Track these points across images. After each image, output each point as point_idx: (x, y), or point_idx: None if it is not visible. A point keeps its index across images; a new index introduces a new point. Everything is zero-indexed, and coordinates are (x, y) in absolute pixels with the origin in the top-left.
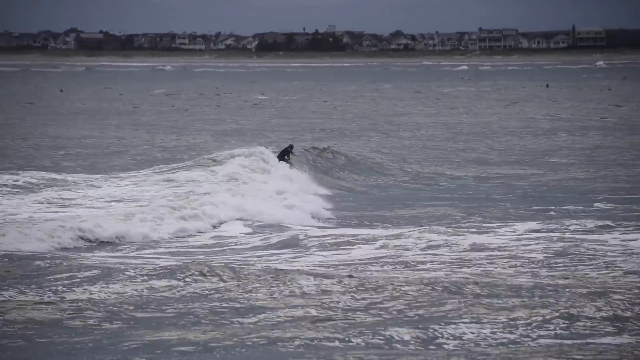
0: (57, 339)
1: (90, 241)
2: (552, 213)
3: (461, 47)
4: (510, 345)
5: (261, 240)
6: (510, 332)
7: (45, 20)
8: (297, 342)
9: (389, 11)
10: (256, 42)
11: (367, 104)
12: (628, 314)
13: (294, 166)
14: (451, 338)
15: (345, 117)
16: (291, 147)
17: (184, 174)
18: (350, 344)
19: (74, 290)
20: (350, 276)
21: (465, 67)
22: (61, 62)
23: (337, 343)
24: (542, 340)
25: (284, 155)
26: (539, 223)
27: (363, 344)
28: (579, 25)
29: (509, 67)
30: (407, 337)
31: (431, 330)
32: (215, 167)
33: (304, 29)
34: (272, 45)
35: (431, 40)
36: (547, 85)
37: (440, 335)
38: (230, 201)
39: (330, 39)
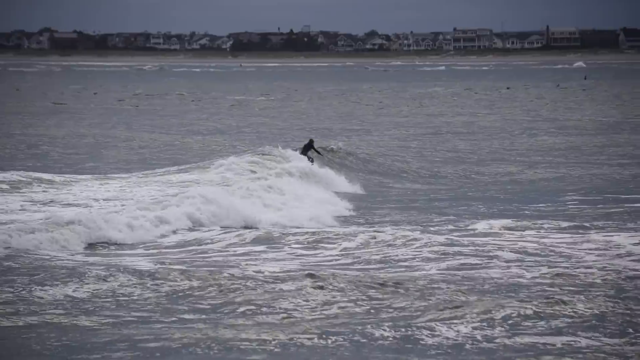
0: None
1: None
2: (527, 212)
3: (436, 47)
4: (486, 343)
5: (236, 239)
6: (487, 330)
7: (19, 19)
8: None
9: (363, 11)
10: (231, 42)
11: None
12: (601, 311)
13: (314, 161)
14: (429, 336)
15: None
16: (312, 141)
17: (183, 176)
18: (320, 343)
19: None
20: (311, 275)
21: (443, 68)
22: (35, 62)
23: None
24: (518, 338)
25: (306, 150)
26: (513, 221)
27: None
28: (553, 25)
29: (484, 67)
30: (382, 335)
31: (409, 329)
32: (207, 169)
33: (278, 28)
34: (246, 45)
35: (406, 40)
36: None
37: (419, 334)
38: (211, 203)
39: (305, 39)
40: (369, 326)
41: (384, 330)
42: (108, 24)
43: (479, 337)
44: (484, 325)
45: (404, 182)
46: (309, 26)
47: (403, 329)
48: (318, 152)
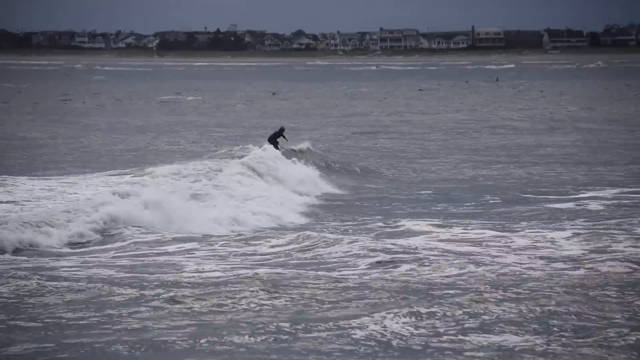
0: None
1: None
2: (453, 211)
3: (362, 47)
4: (414, 340)
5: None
6: (414, 328)
7: None
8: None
9: (290, 11)
10: (157, 41)
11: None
12: (524, 309)
13: (283, 149)
14: (359, 334)
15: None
16: (282, 129)
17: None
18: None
19: None
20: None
21: (374, 67)
22: None
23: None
24: (445, 337)
25: (275, 138)
26: (440, 220)
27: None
28: (478, 26)
29: (412, 67)
30: (319, 333)
31: (338, 327)
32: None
33: (205, 28)
34: (173, 44)
35: (333, 40)
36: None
37: (354, 333)
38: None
39: (232, 38)
40: (299, 324)
41: (313, 327)
42: (32, 21)
43: (406, 335)
44: (412, 323)
45: (342, 179)
46: (236, 25)
47: (333, 327)
48: (285, 139)
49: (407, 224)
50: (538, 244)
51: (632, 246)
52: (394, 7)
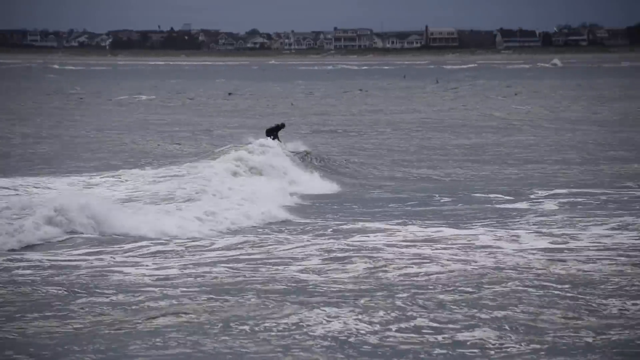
0: None
1: None
2: (395, 212)
3: (317, 47)
4: (359, 338)
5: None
6: (361, 326)
7: None
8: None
9: (244, 10)
10: (110, 40)
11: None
12: (455, 306)
13: (281, 145)
14: (312, 332)
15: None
16: (283, 125)
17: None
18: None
19: None
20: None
21: (330, 67)
22: None
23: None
24: (389, 332)
25: (274, 132)
26: (384, 222)
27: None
28: (432, 25)
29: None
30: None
31: (293, 324)
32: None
33: (159, 27)
34: (126, 43)
35: (287, 39)
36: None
37: (309, 331)
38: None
39: (186, 37)
40: (246, 324)
41: (265, 325)
42: None
43: (362, 331)
44: (367, 320)
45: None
46: (190, 24)
47: (288, 324)
48: (276, 137)
49: (364, 222)
50: (493, 243)
51: (586, 246)
52: (348, 7)
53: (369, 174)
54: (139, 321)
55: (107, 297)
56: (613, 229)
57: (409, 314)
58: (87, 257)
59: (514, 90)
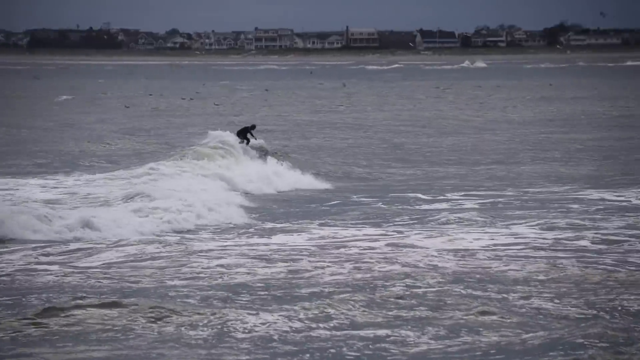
0: None
1: None
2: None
3: (237, 47)
4: (292, 335)
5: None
6: (292, 324)
7: None
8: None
9: (164, 9)
10: (27, 39)
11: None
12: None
13: (249, 144)
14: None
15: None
16: (253, 127)
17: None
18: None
19: None
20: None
21: (250, 67)
22: None
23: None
24: (321, 331)
25: (244, 133)
26: (314, 223)
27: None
28: (352, 26)
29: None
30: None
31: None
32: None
33: (77, 25)
34: (45, 42)
35: (207, 39)
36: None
37: (234, 332)
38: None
39: (105, 37)
40: (183, 326)
41: (192, 327)
42: None
43: (286, 330)
44: (289, 319)
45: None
46: (109, 23)
47: (218, 326)
48: (254, 137)
49: (284, 224)
50: (415, 242)
51: (501, 244)
52: (268, 7)
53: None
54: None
55: None
56: (530, 227)
57: (329, 312)
58: None
59: (441, 92)
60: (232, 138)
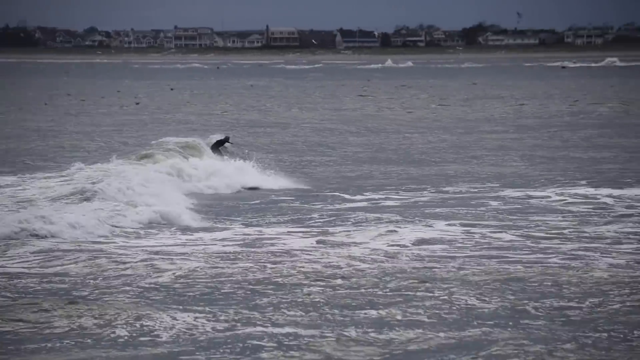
0: None
1: None
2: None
3: (157, 45)
4: (215, 333)
5: None
6: (211, 323)
7: None
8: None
9: (82, 7)
10: None
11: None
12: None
13: (227, 158)
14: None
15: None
16: (227, 138)
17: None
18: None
19: None
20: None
21: (179, 66)
22: None
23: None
24: (243, 330)
25: (218, 146)
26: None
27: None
28: (272, 25)
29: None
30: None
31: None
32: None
33: None
34: None
35: (127, 37)
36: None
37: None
38: None
39: (22, 34)
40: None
41: (114, 328)
42: None
43: (208, 329)
44: (208, 320)
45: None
46: (25, 21)
47: (137, 325)
48: (231, 143)
49: (213, 222)
50: (338, 240)
51: (424, 243)
52: (188, 5)
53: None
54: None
55: None
56: (452, 225)
57: (248, 312)
58: None
59: (363, 90)
60: (187, 140)
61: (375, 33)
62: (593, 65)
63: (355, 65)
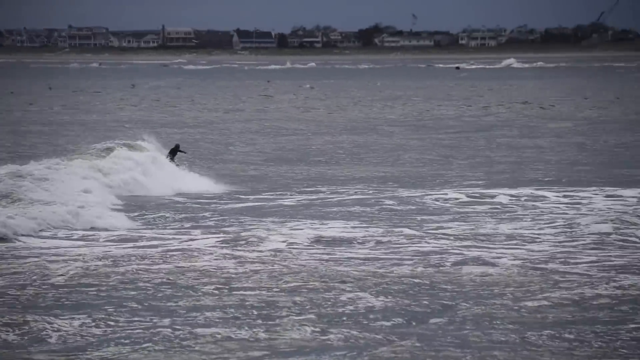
0: None
1: None
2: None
3: (50, 44)
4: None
5: None
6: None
7: None
8: None
9: None
10: None
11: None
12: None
13: (179, 165)
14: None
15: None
16: (177, 146)
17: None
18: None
19: None
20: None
21: (75, 64)
22: None
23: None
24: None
25: (172, 155)
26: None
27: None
28: (168, 25)
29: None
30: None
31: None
32: None
33: None
34: None
35: (19, 36)
36: (133, 86)
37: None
38: None
39: None
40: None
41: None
42: None
43: (98, 334)
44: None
45: None
46: None
47: (25, 328)
48: (184, 152)
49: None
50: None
51: (320, 242)
52: (83, 4)
53: None
54: None
55: None
56: (349, 224)
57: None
58: None
59: (263, 90)
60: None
61: (273, 33)
62: (488, 67)
63: (254, 66)
